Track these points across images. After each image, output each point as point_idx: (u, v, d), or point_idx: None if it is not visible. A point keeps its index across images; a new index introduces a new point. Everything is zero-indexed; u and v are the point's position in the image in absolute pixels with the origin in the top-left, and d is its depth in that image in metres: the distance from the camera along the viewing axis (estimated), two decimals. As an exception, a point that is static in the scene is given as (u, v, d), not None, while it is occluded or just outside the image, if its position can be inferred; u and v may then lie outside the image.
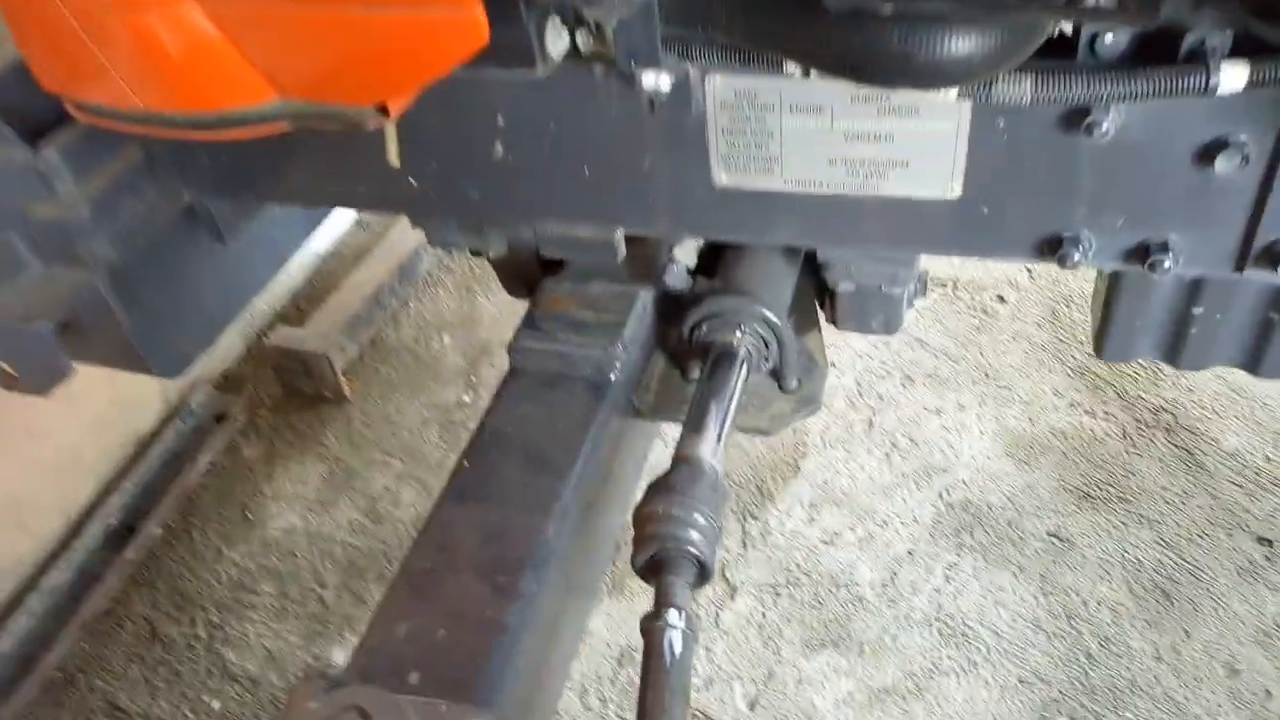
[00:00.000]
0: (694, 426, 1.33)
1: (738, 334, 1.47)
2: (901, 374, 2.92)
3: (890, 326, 1.63)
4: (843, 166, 1.26)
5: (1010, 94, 1.10)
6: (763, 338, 1.50)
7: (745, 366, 1.46)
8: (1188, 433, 2.65)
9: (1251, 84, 0.99)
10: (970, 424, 2.76)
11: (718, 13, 1.11)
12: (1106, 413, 2.73)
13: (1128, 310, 1.40)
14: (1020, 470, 2.63)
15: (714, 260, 1.56)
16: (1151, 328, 1.41)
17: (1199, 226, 1.19)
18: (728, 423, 1.36)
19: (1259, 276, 1.20)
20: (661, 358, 1.60)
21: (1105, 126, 1.11)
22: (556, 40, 1.09)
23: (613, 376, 1.44)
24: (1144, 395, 2.76)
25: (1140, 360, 1.50)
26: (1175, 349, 1.43)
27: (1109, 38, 1.08)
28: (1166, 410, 2.71)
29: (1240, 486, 2.51)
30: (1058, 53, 1.09)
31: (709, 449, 1.31)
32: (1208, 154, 1.11)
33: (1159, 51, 1.05)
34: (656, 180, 1.32)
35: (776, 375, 1.55)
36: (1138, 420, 2.70)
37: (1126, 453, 2.63)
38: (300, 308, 3.34)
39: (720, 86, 1.24)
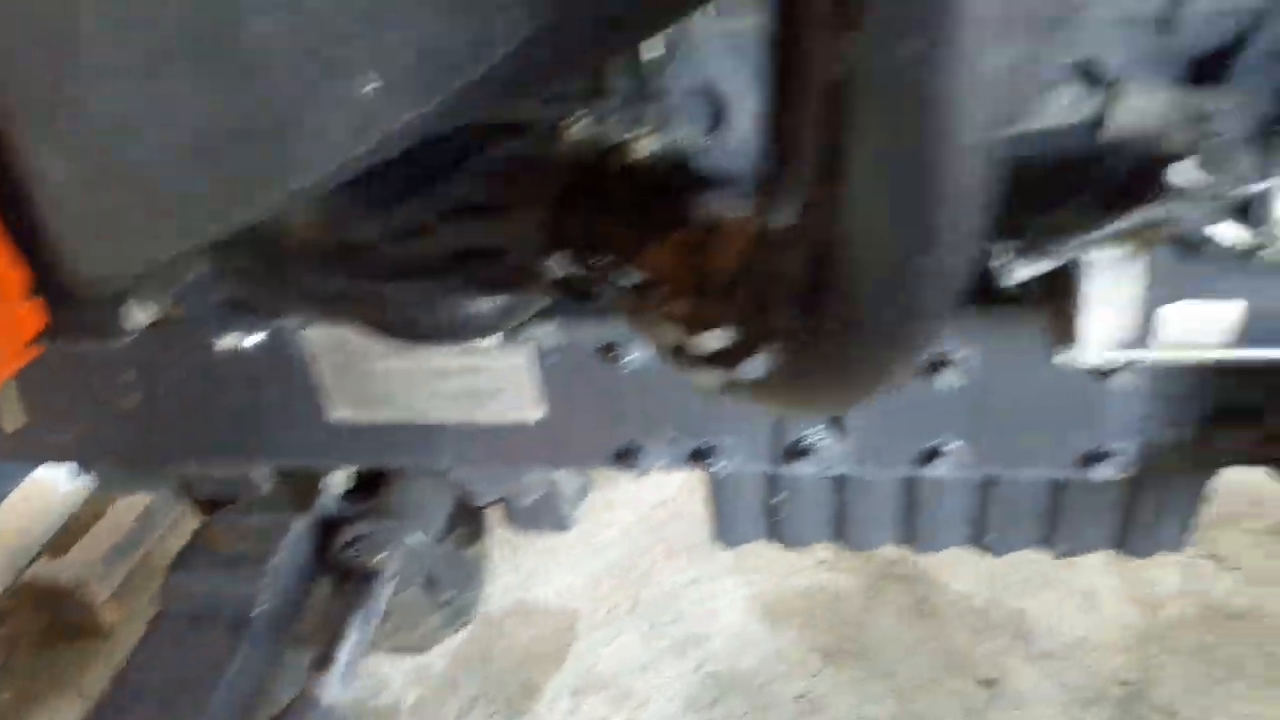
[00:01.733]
0: (319, 661, 1.39)
1: (383, 556, 1.55)
2: (665, 547, 3.04)
3: (562, 525, 1.75)
4: (443, 398, 1.40)
5: (540, 335, 1.26)
6: (413, 557, 1.59)
7: (390, 587, 1.54)
8: (920, 582, 2.82)
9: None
10: (726, 591, 2.88)
11: (277, 283, 1.25)
12: (849, 568, 2.89)
13: (726, 500, 1.56)
14: (771, 634, 2.74)
15: (371, 482, 1.67)
16: (752, 514, 1.57)
17: (741, 432, 1.36)
18: (361, 648, 1.43)
19: (795, 469, 1.36)
20: (327, 583, 1.67)
21: (630, 358, 1.28)
22: (131, 315, 1.20)
23: (255, 612, 1.49)
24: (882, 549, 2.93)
25: (750, 542, 1.64)
26: (776, 530, 1.58)
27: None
28: (902, 561, 2.88)
29: (965, 630, 2.68)
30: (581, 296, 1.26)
31: (334, 684, 1.37)
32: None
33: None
34: (274, 417, 1.42)
35: (430, 590, 1.63)
36: (878, 573, 2.86)
37: (867, 607, 2.77)
38: (67, 536, 3.26)
39: (319, 335, 1.37)
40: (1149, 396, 1.27)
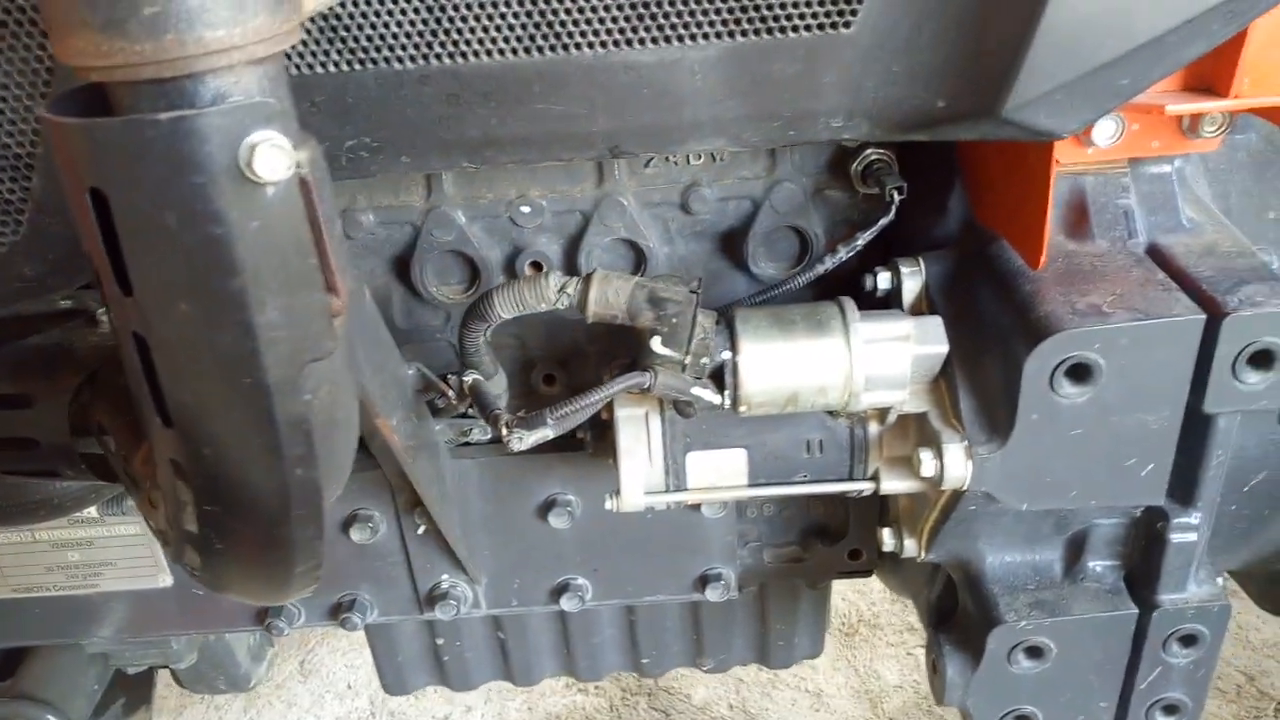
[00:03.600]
0: None
1: (20, 739, 1.48)
2: (416, 685, 2.99)
3: (239, 685, 1.71)
4: (60, 571, 1.37)
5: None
6: (57, 736, 1.52)
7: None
8: (665, 694, 2.89)
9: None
10: (477, 723, 2.85)
11: None
12: (598, 689, 2.92)
13: (385, 650, 1.58)
14: (519, 763, 2.73)
15: (11, 661, 1.59)
16: (415, 660, 1.59)
17: (379, 582, 1.39)
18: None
19: (435, 615, 1.40)
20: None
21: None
22: None
23: None
24: (631, 664, 2.99)
25: (419, 689, 1.66)
26: (441, 675, 1.61)
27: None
28: (647, 677, 2.95)
29: (705, 740, 2.75)
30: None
31: None
32: (345, 526, 1.32)
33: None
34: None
35: (80, 769, 1.56)
36: (624, 690, 2.91)
37: (611, 725, 2.81)
38: None
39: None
40: (747, 523, 1.39)
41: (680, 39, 0.79)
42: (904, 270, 1.08)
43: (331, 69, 0.79)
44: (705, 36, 0.79)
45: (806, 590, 1.56)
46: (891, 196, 1.05)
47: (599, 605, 1.43)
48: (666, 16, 0.79)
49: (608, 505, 1.10)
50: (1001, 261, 1.03)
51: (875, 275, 1.10)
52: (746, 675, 2.90)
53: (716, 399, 0.98)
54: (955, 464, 0.99)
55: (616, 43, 0.79)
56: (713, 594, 1.38)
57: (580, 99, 0.82)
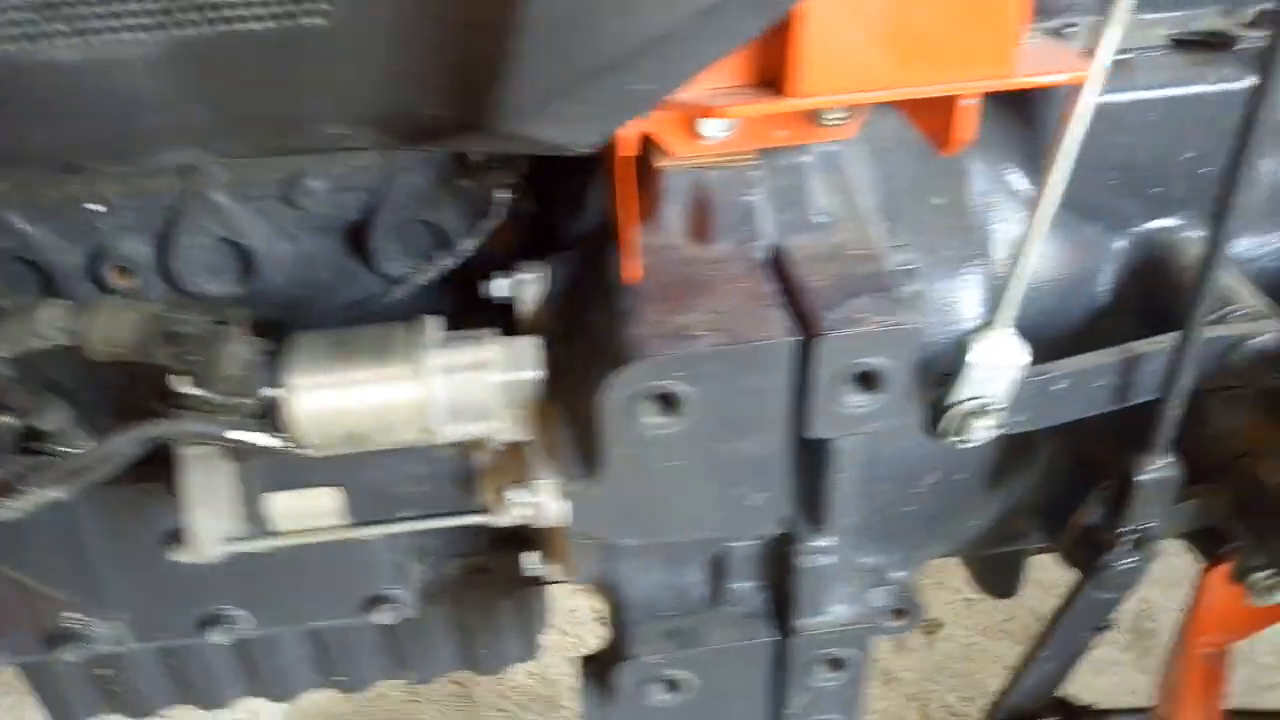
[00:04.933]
0: None
1: None
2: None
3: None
4: None
5: None
6: None
7: None
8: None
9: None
10: (266, 710, 2.72)
11: None
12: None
13: (46, 688, 1.43)
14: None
15: None
16: (81, 693, 1.45)
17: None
18: None
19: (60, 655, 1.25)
20: None
21: None
22: None
23: None
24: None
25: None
26: (115, 704, 1.47)
27: None
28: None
29: (500, 711, 2.69)
30: None
31: None
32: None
33: None
34: None
35: None
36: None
37: (408, 700, 2.72)
38: None
39: None
40: (426, 537, 1.28)
41: (106, 31, 0.64)
42: (524, 278, 0.96)
43: None
44: (138, 29, 0.64)
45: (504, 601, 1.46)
46: (491, 195, 0.92)
47: (261, 634, 1.30)
48: (84, 4, 0.63)
49: (172, 556, 0.97)
50: (611, 271, 0.92)
51: (491, 282, 0.98)
52: (548, 641, 2.83)
53: (269, 442, 0.85)
54: (549, 503, 0.89)
55: (27, 38, 0.64)
56: (382, 616, 1.27)
57: (13, 103, 0.66)
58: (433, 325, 0.88)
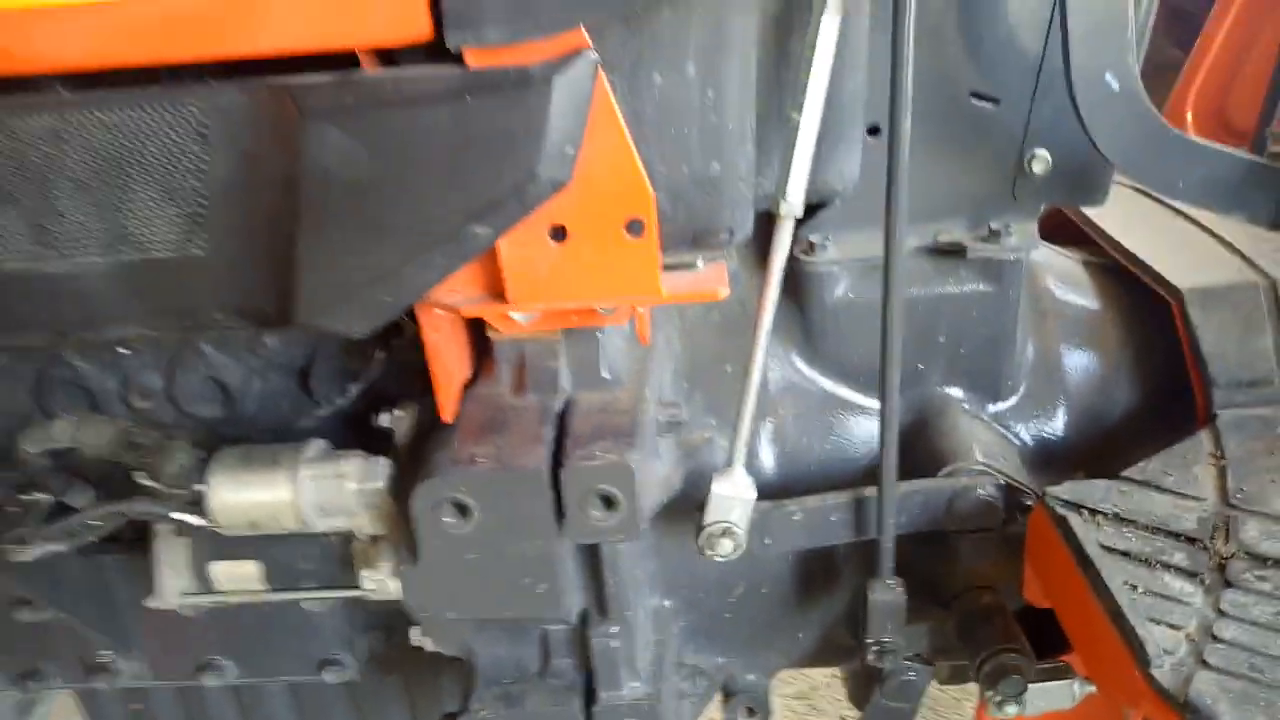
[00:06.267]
0: None
1: None
2: None
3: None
4: None
5: None
6: None
7: None
8: None
9: None
10: None
11: None
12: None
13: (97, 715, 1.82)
14: None
15: None
16: (119, 723, 1.84)
17: (58, 656, 1.63)
18: None
19: (95, 684, 1.64)
20: None
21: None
22: None
23: None
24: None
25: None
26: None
27: None
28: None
29: None
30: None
31: None
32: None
33: None
34: None
35: None
36: None
37: None
38: None
39: None
40: (370, 612, 1.62)
41: (77, 254, 1.06)
42: (398, 414, 1.32)
43: None
44: (93, 252, 1.06)
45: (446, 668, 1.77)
46: (374, 353, 1.30)
47: (242, 683, 1.66)
48: (63, 239, 1.05)
49: (147, 603, 1.34)
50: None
51: (379, 417, 1.34)
52: None
53: (199, 521, 1.22)
54: (388, 581, 1.22)
55: (30, 259, 1.06)
56: (330, 676, 1.60)
57: (18, 298, 1.09)
58: (314, 445, 1.25)
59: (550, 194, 0.97)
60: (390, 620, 1.62)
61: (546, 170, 0.95)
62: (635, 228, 1.02)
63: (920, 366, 1.39)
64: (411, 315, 1.29)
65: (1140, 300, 1.49)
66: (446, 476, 1.14)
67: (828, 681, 3.28)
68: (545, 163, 0.95)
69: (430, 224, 0.98)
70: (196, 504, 1.23)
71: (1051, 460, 1.46)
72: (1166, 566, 1.03)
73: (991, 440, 1.37)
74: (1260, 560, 1.03)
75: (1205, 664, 0.90)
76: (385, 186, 0.96)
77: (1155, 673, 0.90)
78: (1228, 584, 1.00)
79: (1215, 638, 0.93)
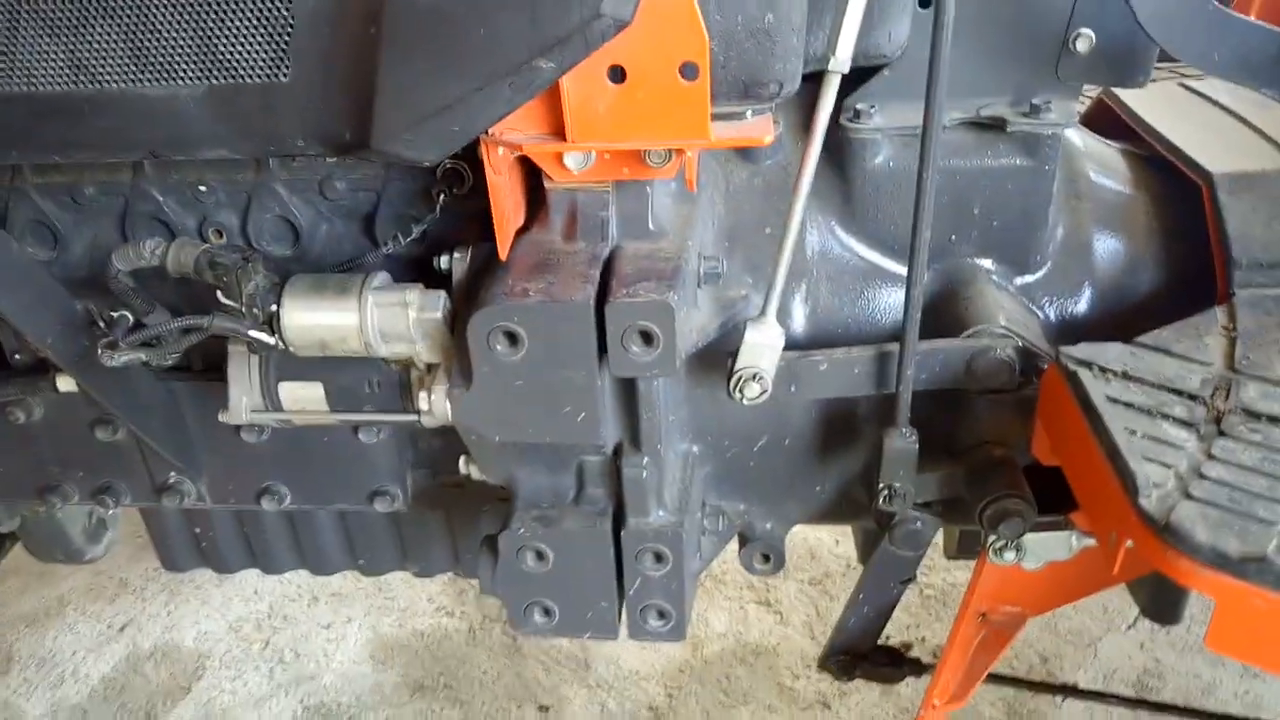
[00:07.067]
0: None
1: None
2: (310, 595, 3.41)
3: (74, 558, 2.12)
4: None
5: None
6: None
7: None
8: (517, 624, 3.25)
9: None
10: (350, 634, 3.26)
11: None
12: (463, 612, 3.31)
13: (157, 535, 1.97)
14: (376, 671, 3.13)
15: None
16: (183, 545, 1.99)
17: (128, 474, 1.77)
18: None
19: (164, 504, 1.78)
20: None
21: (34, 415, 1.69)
22: None
23: None
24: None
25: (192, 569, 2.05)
26: (203, 559, 2.00)
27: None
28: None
29: (541, 664, 3.11)
30: None
31: None
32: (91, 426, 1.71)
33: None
34: None
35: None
36: (485, 615, 3.29)
37: (467, 645, 3.19)
38: None
39: None
40: (419, 450, 1.73)
41: (174, 78, 1.14)
42: (456, 256, 1.41)
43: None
44: (191, 79, 1.14)
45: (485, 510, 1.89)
46: (438, 197, 1.38)
47: (296, 509, 1.79)
48: (157, 62, 1.14)
49: (220, 417, 1.46)
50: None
51: (439, 259, 1.43)
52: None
53: (269, 340, 1.33)
54: (439, 403, 1.32)
55: (129, 81, 1.15)
56: (380, 506, 1.73)
57: (118, 118, 1.18)
58: (380, 275, 1.35)
59: (613, 33, 1.04)
60: (437, 459, 1.74)
61: (610, 8, 1.02)
62: (689, 71, 1.09)
63: (953, 237, 1.45)
64: (473, 164, 1.38)
65: (1173, 189, 1.53)
66: (500, 306, 1.24)
67: (843, 570, 3.42)
68: (609, 1, 1.02)
69: (500, 57, 1.05)
70: (270, 324, 1.34)
71: (1073, 337, 1.52)
72: (1166, 417, 1.10)
73: (1016, 309, 1.44)
74: (1255, 416, 1.10)
75: (1189, 496, 0.98)
76: (461, 18, 1.03)
77: (1143, 502, 0.99)
78: (1221, 434, 1.07)
79: (1202, 476, 1.01)
